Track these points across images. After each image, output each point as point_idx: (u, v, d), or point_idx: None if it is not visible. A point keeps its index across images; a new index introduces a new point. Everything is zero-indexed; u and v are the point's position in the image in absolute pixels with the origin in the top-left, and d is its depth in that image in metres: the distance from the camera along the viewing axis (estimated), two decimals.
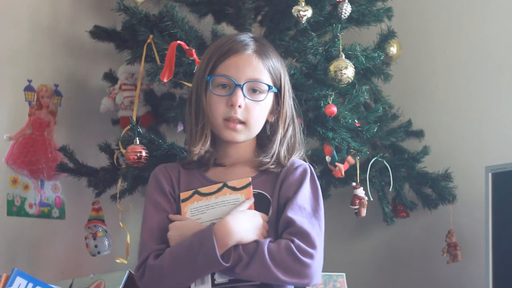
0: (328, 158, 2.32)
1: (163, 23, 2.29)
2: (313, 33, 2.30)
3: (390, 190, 2.56)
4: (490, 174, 2.34)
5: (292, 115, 1.82)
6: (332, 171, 2.32)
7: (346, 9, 2.35)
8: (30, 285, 1.94)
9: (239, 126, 1.74)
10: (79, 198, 2.71)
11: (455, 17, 2.79)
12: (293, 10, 2.28)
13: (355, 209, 2.36)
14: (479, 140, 2.67)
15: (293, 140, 1.80)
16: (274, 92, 1.79)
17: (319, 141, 2.44)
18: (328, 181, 2.68)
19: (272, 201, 1.71)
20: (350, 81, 2.21)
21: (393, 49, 2.61)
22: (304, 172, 1.75)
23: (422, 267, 2.74)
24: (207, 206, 1.70)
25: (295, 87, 2.27)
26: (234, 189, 1.70)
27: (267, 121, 1.79)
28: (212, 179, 1.75)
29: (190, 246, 1.62)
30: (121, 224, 2.38)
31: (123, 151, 2.25)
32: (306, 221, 1.66)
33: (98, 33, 2.65)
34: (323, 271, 2.39)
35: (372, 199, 2.43)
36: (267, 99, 1.77)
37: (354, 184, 2.37)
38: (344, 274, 2.44)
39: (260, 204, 1.70)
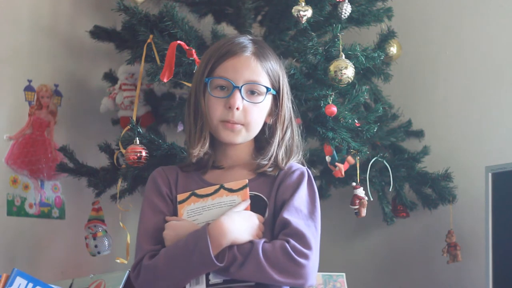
0: (328, 158, 2.32)
1: (163, 23, 2.29)
2: (313, 33, 2.30)
3: (390, 190, 2.56)
4: (490, 174, 2.34)
5: (291, 117, 1.82)
6: (332, 171, 2.32)
7: (346, 9, 2.35)
8: (30, 285, 1.94)
9: (237, 126, 1.74)
10: (79, 198, 2.71)
11: (455, 17, 2.79)
12: (293, 10, 2.28)
13: (355, 209, 2.36)
14: (479, 140, 2.67)
15: (291, 142, 1.80)
16: (273, 94, 1.79)
17: (319, 141, 2.45)
18: (328, 181, 2.69)
19: (269, 203, 1.71)
20: (350, 81, 2.21)
21: (393, 49, 2.61)
22: (302, 175, 1.75)
23: (422, 267, 2.74)
24: (204, 208, 1.70)
25: (295, 87, 2.27)
26: (230, 190, 1.70)
27: (265, 123, 1.80)
28: (210, 182, 1.76)
29: (184, 246, 1.62)
30: (121, 224, 2.38)
31: (123, 151, 2.25)
32: (302, 223, 1.66)
33: (98, 33, 2.65)
34: (323, 271, 2.42)
35: (372, 199, 2.43)
36: (266, 101, 1.77)
37: (354, 184, 2.37)
38: (344, 274, 2.44)
39: (257, 206, 1.70)
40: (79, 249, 2.63)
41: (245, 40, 1.79)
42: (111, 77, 2.75)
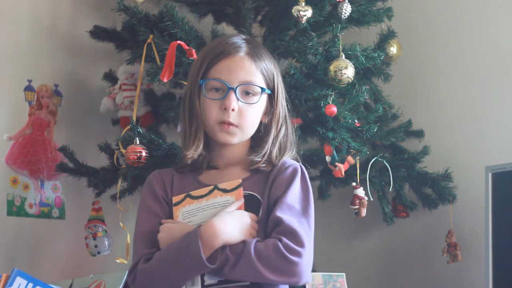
0: (328, 158, 2.32)
1: (163, 23, 2.29)
2: (313, 33, 2.30)
3: (390, 190, 2.56)
4: (490, 174, 2.34)
5: (285, 115, 1.82)
6: (332, 171, 2.32)
7: (346, 9, 2.35)
8: (30, 285, 1.94)
9: (232, 128, 1.74)
10: (79, 198, 2.71)
11: (455, 17, 2.79)
12: (293, 10, 2.27)
13: (355, 209, 2.36)
14: (479, 140, 2.67)
15: (285, 140, 1.80)
16: (268, 94, 1.78)
17: (319, 141, 2.45)
18: (328, 181, 2.69)
19: (263, 202, 1.71)
20: (350, 81, 2.21)
21: (393, 49, 2.61)
22: (295, 171, 1.74)
23: (422, 267, 2.74)
24: (198, 209, 1.70)
25: (295, 87, 2.27)
26: (224, 191, 1.70)
27: (261, 122, 1.80)
28: (205, 183, 1.76)
29: (177, 249, 1.62)
30: (121, 224, 2.38)
31: (123, 151, 2.25)
32: (295, 220, 1.65)
33: (98, 33, 2.65)
34: (323, 271, 2.42)
35: (372, 199, 2.43)
36: (261, 101, 1.77)
37: (354, 184, 2.37)
38: (344, 274, 2.44)
39: (251, 205, 1.70)
40: (79, 249, 2.63)
41: (239, 40, 1.79)
42: (111, 77, 2.75)
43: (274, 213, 1.66)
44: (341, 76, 2.19)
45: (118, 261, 2.37)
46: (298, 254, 1.60)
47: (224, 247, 1.61)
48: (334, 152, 2.30)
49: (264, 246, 1.60)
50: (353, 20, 2.47)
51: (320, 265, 2.51)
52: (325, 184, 2.73)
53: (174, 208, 1.72)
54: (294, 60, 2.43)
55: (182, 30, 2.27)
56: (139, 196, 2.46)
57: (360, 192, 2.37)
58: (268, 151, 1.76)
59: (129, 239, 2.34)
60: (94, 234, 2.52)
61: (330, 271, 2.42)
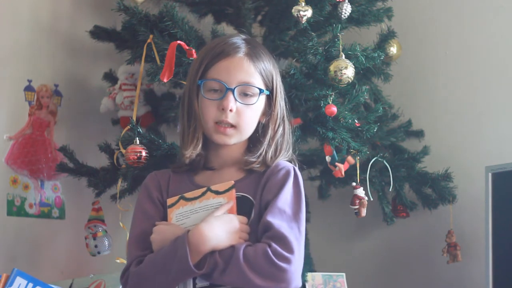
0: (328, 158, 2.32)
1: (163, 23, 2.29)
2: (313, 33, 2.30)
3: (390, 190, 2.56)
4: (490, 174, 2.34)
5: (283, 116, 1.81)
6: (332, 171, 2.32)
7: (346, 9, 2.34)
8: (30, 285, 1.94)
9: (229, 130, 1.73)
10: (79, 198, 2.71)
11: (455, 17, 2.79)
12: (293, 10, 2.27)
13: (355, 209, 2.36)
14: (479, 140, 2.67)
15: (281, 140, 1.79)
16: (266, 94, 1.78)
17: (319, 141, 2.44)
18: (328, 181, 2.69)
19: (255, 204, 1.70)
20: (350, 81, 2.21)
21: (393, 49, 2.61)
22: (287, 174, 1.72)
23: (422, 267, 2.74)
24: (191, 211, 1.70)
25: (295, 87, 2.27)
26: (217, 193, 1.69)
27: (259, 122, 1.79)
28: (200, 184, 1.75)
29: (166, 254, 1.62)
30: (121, 224, 2.38)
31: (123, 151, 2.25)
32: (285, 225, 1.63)
33: (98, 33, 2.65)
34: (323, 271, 2.42)
35: (372, 199, 2.43)
36: (259, 102, 1.76)
37: (354, 184, 2.37)
38: (344, 274, 2.44)
39: (243, 207, 1.69)
40: (79, 249, 2.63)
41: (238, 40, 1.78)
42: (111, 77, 2.75)
43: (264, 217, 1.64)
44: (341, 76, 2.19)
45: (118, 261, 2.37)
46: (287, 261, 1.59)
47: (212, 252, 1.60)
48: (334, 152, 2.30)
49: (253, 251, 1.60)
50: (353, 20, 2.47)
51: (320, 265, 2.51)
52: (325, 184, 2.73)
53: (168, 210, 1.72)
54: (294, 60, 2.43)
55: (182, 30, 2.27)
56: None
57: (360, 192, 2.37)
58: (264, 152, 1.76)
59: None
60: (94, 234, 2.52)
61: (330, 271, 2.42)
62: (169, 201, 1.73)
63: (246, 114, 1.74)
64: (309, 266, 2.42)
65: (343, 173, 2.31)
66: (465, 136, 2.71)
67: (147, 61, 2.36)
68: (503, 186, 2.32)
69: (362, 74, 2.49)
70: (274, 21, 2.49)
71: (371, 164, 2.46)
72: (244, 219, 1.67)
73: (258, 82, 1.76)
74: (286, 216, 1.66)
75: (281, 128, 1.80)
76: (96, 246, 2.51)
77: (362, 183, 2.41)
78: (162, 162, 2.21)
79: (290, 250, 1.60)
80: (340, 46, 2.22)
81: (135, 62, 2.49)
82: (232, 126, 1.74)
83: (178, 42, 2.17)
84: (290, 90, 2.27)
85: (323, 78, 2.26)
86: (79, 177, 2.54)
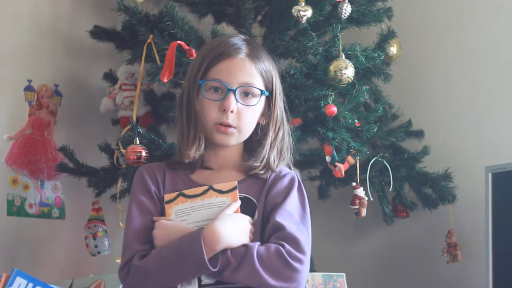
0: (328, 158, 2.32)
1: (163, 23, 2.29)
2: (313, 33, 2.30)
3: (390, 190, 2.56)
4: (490, 174, 2.34)
5: (282, 118, 1.81)
6: (332, 171, 2.32)
7: (346, 9, 2.34)
8: (30, 285, 1.94)
9: (230, 130, 1.73)
10: (79, 198, 2.71)
11: (455, 17, 2.79)
12: (293, 10, 2.27)
13: (355, 209, 2.36)
14: (479, 140, 2.67)
15: (282, 144, 1.80)
16: (266, 96, 1.78)
17: (319, 141, 2.45)
18: (328, 181, 2.69)
19: (258, 206, 1.71)
20: (350, 81, 2.21)
21: (393, 49, 2.61)
22: (292, 181, 1.75)
23: (422, 267, 2.74)
24: (193, 208, 1.70)
25: (295, 87, 2.27)
26: (220, 192, 1.70)
27: (258, 124, 1.79)
28: (198, 182, 1.75)
29: (178, 249, 1.62)
30: (121, 224, 2.38)
31: (123, 151, 2.25)
32: (295, 227, 1.66)
33: (98, 33, 2.65)
34: (323, 271, 2.42)
35: (372, 199, 2.43)
36: (259, 104, 1.76)
37: (354, 184, 2.37)
38: (344, 274, 2.44)
39: (246, 208, 1.70)
40: (79, 249, 2.63)
41: (239, 41, 1.78)
42: (111, 77, 2.75)
43: (274, 219, 1.66)
44: (341, 76, 2.19)
45: (118, 261, 2.36)
46: (300, 261, 1.61)
47: (225, 250, 1.61)
48: (334, 152, 2.30)
49: (267, 251, 1.61)
50: (353, 20, 2.47)
51: (320, 265, 2.51)
52: (325, 184, 2.73)
53: (166, 206, 1.72)
54: (294, 60, 2.43)
55: (182, 30, 2.27)
56: None
57: (360, 192, 2.37)
58: (267, 156, 1.76)
59: None
60: (94, 234, 2.52)
61: (330, 271, 2.42)
62: (167, 196, 1.73)
63: (247, 115, 1.74)
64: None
65: (343, 173, 2.31)
66: (465, 136, 2.71)
67: (147, 61, 2.36)
68: (503, 186, 2.32)
69: (362, 74, 2.49)
70: (274, 21, 2.49)
71: (371, 164, 2.46)
72: (250, 219, 1.69)
73: (259, 83, 1.76)
74: (295, 219, 1.68)
75: (281, 131, 1.80)
76: (96, 246, 2.51)
77: (362, 183, 2.41)
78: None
79: (302, 251, 1.63)
80: (340, 46, 2.23)
81: (135, 62, 2.50)
82: (233, 126, 1.74)
83: (178, 42, 2.17)
84: (290, 90, 2.28)
85: (323, 78, 2.26)
86: (79, 177, 2.54)
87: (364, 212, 2.36)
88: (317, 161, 2.56)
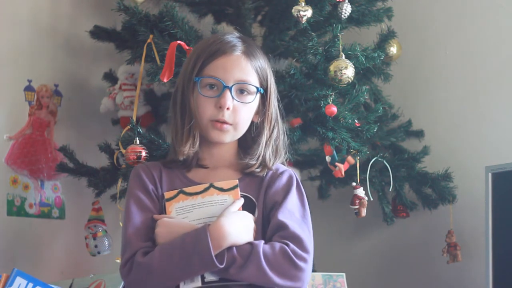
0: (328, 158, 2.32)
1: (163, 23, 2.29)
2: (313, 33, 2.30)
3: (390, 190, 2.56)
4: (490, 174, 2.34)
5: (277, 116, 1.81)
6: (332, 171, 2.32)
7: (346, 9, 2.35)
8: (30, 285, 1.94)
9: (226, 126, 1.73)
10: (79, 198, 2.71)
11: (455, 17, 2.79)
12: (293, 10, 2.27)
13: (355, 209, 2.36)
14: (479, 140, 2.67)
15: (278, 142, 1.80)
16: (261, 93, 1.78)
17: (319, 141, 2.45)
18: (328, 181, 2.69)
19: (258, 204, 1.71)
20: (350, 81, 2.21)
21: (393, 49, 2.61)
22: (291, 179, 1.76)
23: (422, 267, 2.74)
24: (194, 206, 1.70)
25: (295, 87, 2.27)
26: (221, 190, 1.70)
27: (252, 122, 1.79)
28: (195, 180, 1.75)
29: (183, 246, 1.61)
30: (121, 224, 2.37)
31: (123, 151, 2.25)
32: (297, 226, 1.66)
33: (98, 33, 2.65)
34: (323, 271, 2.42)
35: (372, 199, 2.43)
36: (255, 101, 1.76)
37: (354, 184, 2.37)
38: (344, 274, 2.44)
39: (246, 207, 1.70)
40: (79, 249, 2.63)
41: (234, 38, 1.78)
42: (111, 77, 2.75)
43: (276, 217, 1.66)
44: (341, 76, 2.19)
45: (118, 261, 2.36)
46: (305, 260, 1.62)
47: (230, 247, 1.61)
48: (334, 152, 2.30)
49: (272, 250, 1.61)
50: (353, 20, 2.47)
51: (320, 265, 2.51)
52: (325, 184, 2.73)
53: (166, 204, 1.72)
54: (294, 60, 2.43)
55: (182, 30, 2.27)
56: None
57: (360, 192, 2.37)
58: (262, 154, 1.76)
59: None
60: (94, 234, 2.52)
61: (330, 271, 2.42)
62: (167, 194, 1.73)
63: (242, 112, 1.74)
64: None
65: (343, 173, 2.31)
66: (465, 136, 2.71)
67: (147, 61, 2.36)
68: (503, 186, 2.32)
69: (362, 74, 2.49)
70: (274, 21, 2.49)
71: (371, 164, 2.46)
72: (253, 217, 1.69)
73: (255, 81, 1.76)
74: (296, 217, 1.69)
75: (276, 129, 1.80)
76: (96, 246, 2.51)
77: (362, 183, 2.41)
78: None
79: (306, 250, 1.64)
80: (340, 46, 2.23)
81: (135, 62, 2.50)
82: (229, 123, 1.74)
83: (178, 42, 2.16)
84: (290, 90, 2.28)
85: (323, 78, 2.26)
86: (79, 177, 2.54)
87: (364, 212, 2.36)
88: (317, 161, 2.56)
